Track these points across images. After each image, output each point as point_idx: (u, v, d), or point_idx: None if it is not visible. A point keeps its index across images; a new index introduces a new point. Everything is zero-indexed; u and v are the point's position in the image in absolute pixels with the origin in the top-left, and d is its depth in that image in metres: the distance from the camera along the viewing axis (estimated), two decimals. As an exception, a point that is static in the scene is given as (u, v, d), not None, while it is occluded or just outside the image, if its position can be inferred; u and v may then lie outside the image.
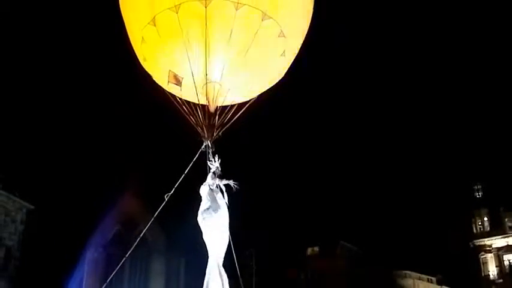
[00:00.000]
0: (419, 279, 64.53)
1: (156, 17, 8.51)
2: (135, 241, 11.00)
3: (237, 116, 9.63)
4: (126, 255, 10.12)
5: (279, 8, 8.70)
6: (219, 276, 8.60)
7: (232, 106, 9.61)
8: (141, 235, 10.02)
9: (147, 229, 10.40)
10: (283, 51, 9.29)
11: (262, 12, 8.49)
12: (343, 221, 74.99)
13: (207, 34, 8.48)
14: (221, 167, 9.14)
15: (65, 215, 53.11)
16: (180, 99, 9.53)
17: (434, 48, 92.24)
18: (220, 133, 9.43)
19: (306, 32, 9.78)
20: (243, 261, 52.38)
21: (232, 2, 8.32)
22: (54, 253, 48.70)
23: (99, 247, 50.65)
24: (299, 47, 9.78)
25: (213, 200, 8.84)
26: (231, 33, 8.49)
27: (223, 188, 9.04)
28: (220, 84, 9.17)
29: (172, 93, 9.58)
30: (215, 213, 8.80)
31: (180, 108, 9.40)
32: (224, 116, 9.49)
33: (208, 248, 8.84)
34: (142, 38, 8.99)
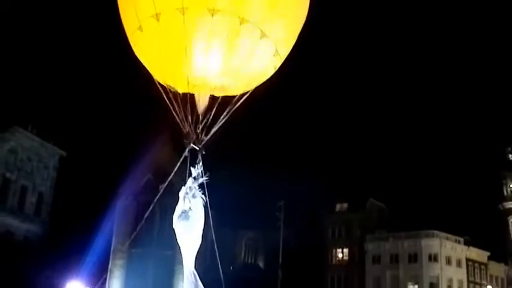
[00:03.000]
0: (447, 239, 64.38)
1: (141, 25, 9.26)
2: (165, 189, 11.08)
3: (228, 114, 9.76)
4: (154, 201, 10.18)
5: (257, 12, 9.03)
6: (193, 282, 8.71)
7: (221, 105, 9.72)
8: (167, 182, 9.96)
9: (176, 180, 10.33)
10: (275, 51, 9.56)
11: (239, 17, 8.87)
12: (373, 179, 74.68)
13: (187, 40, 8.97)
14: (203, 173, 9.13)
15: (96, 162, 53.69)
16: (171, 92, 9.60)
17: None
18: (208, 136, 9.48)
19: (298, 28, 9.96)
20: (272, 214, 52.89)
21: (208, 9, 8.77)
22: (85, 200, 49.42)
23: (129, 195, 51.33)
24: (291, 43, 9.97)
25: (190, 203, 8.90)
26: (210, 38, 8.96)
27: (199, 192, 9.06)
28: (206, 85, 9.49)
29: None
30: (191, 217, 8.80)
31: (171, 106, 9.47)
32: (212, 118, 9.58)
33: (182, 251, 8.92)
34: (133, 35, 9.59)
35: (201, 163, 9.33)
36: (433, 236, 63.68)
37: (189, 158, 9.31)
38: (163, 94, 9.43)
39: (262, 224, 65.22)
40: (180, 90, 9.52)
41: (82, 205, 48.98)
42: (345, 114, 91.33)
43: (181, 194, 9.05)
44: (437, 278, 62.46)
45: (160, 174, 47.56)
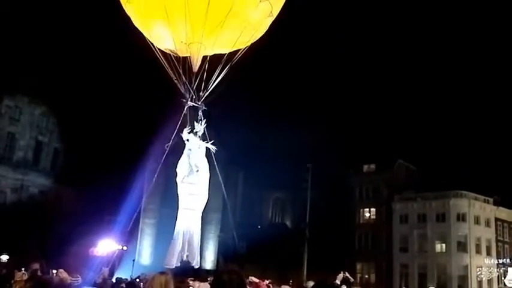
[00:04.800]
0: (475, 199, 64.14)
1: None
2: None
3: (225, 70, 9.82)
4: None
5: None
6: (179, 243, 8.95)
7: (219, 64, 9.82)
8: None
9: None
10: (270, 12, 9.76)
11: None
12: (401, 139, 74.34)
13: (187, 5, 8.94)
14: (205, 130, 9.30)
15: (126, 124, 54.19)
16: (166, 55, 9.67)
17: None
18: (207, 93, 9.54)
19: None
20: (300, 175, 53.26)
21: None
22: (116, 161, 50.19)
23: (159, 157, 51.95)
24: (281, 5, 10.16)
25: (195, 160, 9.02)
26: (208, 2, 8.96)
27: (208, 148, 9.18)
28: (202, 44, 9.49)
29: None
30: (197, 172, 8.95)
31: (167, 66, 9.53)
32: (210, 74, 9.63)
33: (180, 210, 8.91)
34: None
35: (202, 120, 9.49)
36: (461, 196, 63.50)
37: (201, 115, 9.44)
38: (162, 59, 9.49)
39: (290, 184, 65.82)
40: (180, 54, 9.63)
41: (114, 167, 49.79)
42: (373, 73, 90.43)
43: (185, 150, 9.21)
44: (465, 237, 62.53)
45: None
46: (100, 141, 53.71)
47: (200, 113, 9.45)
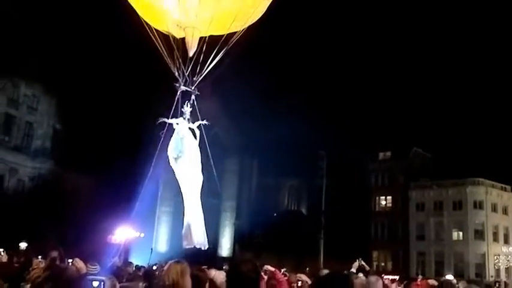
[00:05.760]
0: (492, 187, 63.77)
1: None
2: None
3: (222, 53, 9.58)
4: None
5: None
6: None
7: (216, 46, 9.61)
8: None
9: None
10: None
11: None
12: (417, 126, 73.79)
13: None
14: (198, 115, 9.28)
15: (137, 114, 54.29)
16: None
17: None
18: (202, 76, 9.42)
19: None
20: (315, 163, 53.36)
21: None
22: (133, 150, 50.40)
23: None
24: None
25: (185, 140, 9.00)
26: None
27: (195, 130, 9.15)
28: (196, 28, 9.33)
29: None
30: (187, 154, 8.93)
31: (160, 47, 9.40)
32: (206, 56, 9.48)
33: (182, 187, 9.03)
34: None
35: (193, 103, 9.45)
36: (478, 183, 63.18)
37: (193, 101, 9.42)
38: (156, 41, 9.42)
39: (305, 172, 65.88)
40: (177, 35, 9.56)
41: (131, 155, 50.05)
42: (390, 58, 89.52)
43: (174, 135, 9.23)
44: (482, 224, 62.27)
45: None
46: (117, 129, 53.97)
47: (193, 98, 9.38)
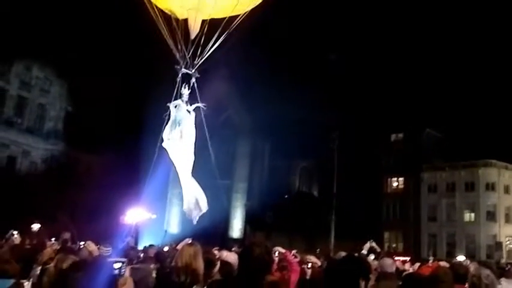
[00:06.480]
0: (506, 168, 63.44)
1: None
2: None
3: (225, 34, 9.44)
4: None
5: None
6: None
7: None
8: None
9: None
10: None
11: None
12: (429, 108, 73.21)
13: None
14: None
15: (152, 104, 54.31)
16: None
17: None
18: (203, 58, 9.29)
19: None
20: (327, 145, 53.14)
21: None
22: (146, 133, 50.48)
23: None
24: None
25: (181, 121, 9.00)
26: None
27: (191, 112, 9.13)
28: (199, 10, 9.23)
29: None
30: (183, 135, 8.93)
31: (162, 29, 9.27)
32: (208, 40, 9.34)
33: (177, 167, 9.16)
34: None
35: (192, 86, 9.39)
36: (490, 165, 62.87)
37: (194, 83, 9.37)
38: (159, 22, 9.32)
39: (317, 153, 65.69)
40: (180, 16, 9.46)
41: (143, 136, 50.22)
42: (398, 39, 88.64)
43: (171, 108, 9.22)
44: (495, 206, 62.03)
45: (217, 109, 48.30)
46: (129, 111, 54.11)
47: (193, 80, 9.32)
